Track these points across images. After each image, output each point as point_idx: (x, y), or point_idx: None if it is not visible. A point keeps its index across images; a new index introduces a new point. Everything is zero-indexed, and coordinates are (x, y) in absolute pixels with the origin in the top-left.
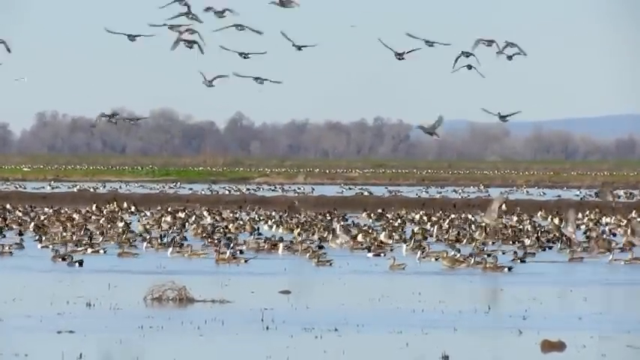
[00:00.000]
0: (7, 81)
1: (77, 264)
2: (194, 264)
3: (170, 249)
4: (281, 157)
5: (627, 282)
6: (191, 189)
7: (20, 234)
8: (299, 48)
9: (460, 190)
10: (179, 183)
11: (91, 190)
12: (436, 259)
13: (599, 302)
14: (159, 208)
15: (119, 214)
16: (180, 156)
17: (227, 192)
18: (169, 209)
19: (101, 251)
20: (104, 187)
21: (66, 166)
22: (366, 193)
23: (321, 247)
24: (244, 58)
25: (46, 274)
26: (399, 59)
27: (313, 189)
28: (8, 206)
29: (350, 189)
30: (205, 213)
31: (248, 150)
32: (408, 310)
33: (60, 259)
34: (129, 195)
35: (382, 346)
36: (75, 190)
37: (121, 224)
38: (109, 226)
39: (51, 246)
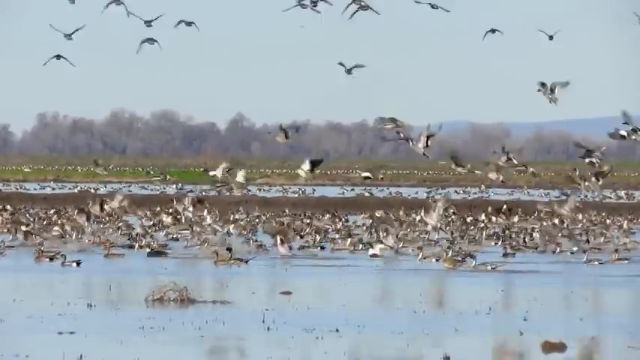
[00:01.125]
0: (7, 82)
1: (75, 264)
2: (195, 265)
3: (148, 250)
4: (282, 157)
5: (622, 282)
6: (192, 190)
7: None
8: (189, 24)
9: (461, 191)
10: (180, 184)
11: (92, 190)
12: (437, 260)
13: (600, 303)
14: (158, 209)
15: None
16: (181, 157)
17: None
18: (170, 210)
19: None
20: (105, 187)
21: (66, 167)
22: (367, 194)
23: (322, 248)
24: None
25: (46, 275)
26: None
27: (314, 190)
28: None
29: (352, 190)
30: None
31: (249, 151)
32: (409, 311)
33: (47, 260)
34: (129, 195)
35: (383, 347)
36: (76, 190)
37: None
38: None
39: (36, 246)
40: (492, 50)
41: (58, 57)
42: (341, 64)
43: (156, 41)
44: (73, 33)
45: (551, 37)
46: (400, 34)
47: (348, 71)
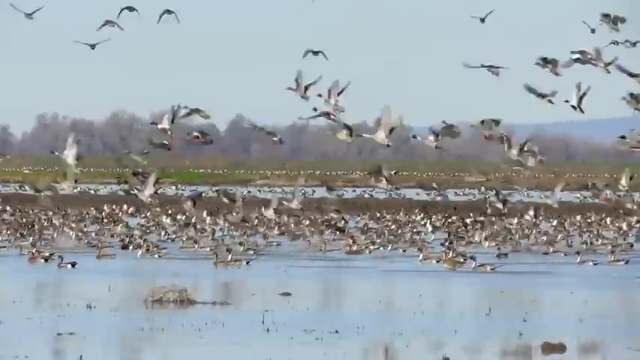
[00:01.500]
0: (7, 82)
1: (70, 265)
2: (195, 266)
3: (140, 251)
4: (282, 159)
5: (621, 283)
6: (192, 191)
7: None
8: (170, 12)
9: (461, 193)
10: (180, 185)
11: (92, 192)
12: (437, 262)
13: (599, 305)
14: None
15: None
16: (181, 158)
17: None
18: (169, 211)
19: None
20: (105, 188)
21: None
22: (366, 196)
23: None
24: None
25: (45, 276)
26: None
27: (314, 191)
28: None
29: (354, 191)
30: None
31: (249, 152)
32: (409, 313)
33: (42, 260)
34: (129, 197)
35: (383, 349)
36: (76, 192)
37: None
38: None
39: (27, 247)
40: (493, 51)
41: (93, 47)
42: (309, 50)
43: (116, 24)
44: (33, 13)
45: (593, 30)
46: (401, 35)
47: (315, 53)
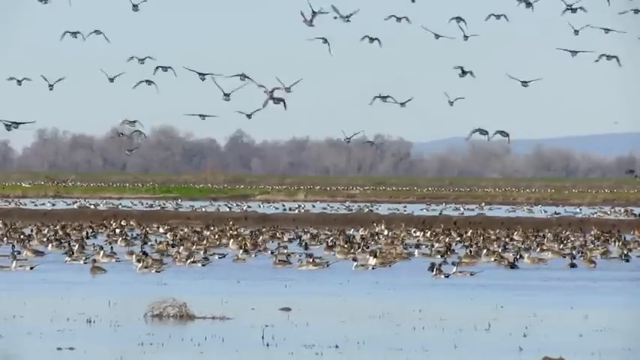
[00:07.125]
0: (7, 98)
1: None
2: (196, 281)
3: (139, 264)
4: (282, 174)
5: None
6: (192, 206)
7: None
8: (165, 69)
9: (461, 208)
10: (180, 200)
11: (92, 207)
12: (447, 276)
13: (600, 320)
14: (155, 225)
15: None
16: (181, 173)
17: (227, 209)
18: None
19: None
20: (104, 203)
21: (66, 183)
22: (366, 211)
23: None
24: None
25: (45, 291)
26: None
27: (314, 206)
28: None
29: (360, 207)
30: (205, 230)
31: (249, 167)
32: (409, 328)
33: None
34: (129, 212)
35: None
36: (75, 206)
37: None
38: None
39: None
40: (491, 67)
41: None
42: (244, 76)
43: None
44: None
45: (576, 32)
46: (401, 51)
47: (243, 77)
